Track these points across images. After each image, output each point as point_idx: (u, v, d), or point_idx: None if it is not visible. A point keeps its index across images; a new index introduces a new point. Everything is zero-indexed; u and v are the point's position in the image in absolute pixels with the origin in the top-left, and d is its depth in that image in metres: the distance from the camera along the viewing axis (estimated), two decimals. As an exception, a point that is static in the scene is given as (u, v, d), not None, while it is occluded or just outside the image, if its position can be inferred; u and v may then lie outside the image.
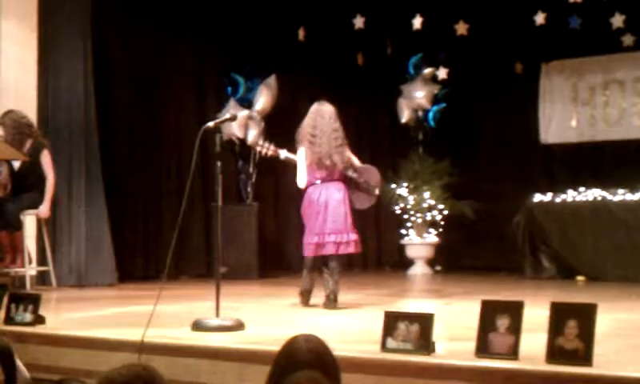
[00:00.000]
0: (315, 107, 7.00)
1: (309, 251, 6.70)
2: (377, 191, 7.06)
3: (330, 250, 6.67)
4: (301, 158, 6.85)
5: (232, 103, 10.30)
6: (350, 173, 6.93)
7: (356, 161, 7.05)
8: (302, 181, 6.87)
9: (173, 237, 5.30)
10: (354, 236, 6.79)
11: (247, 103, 10.40)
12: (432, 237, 10.88)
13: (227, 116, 6.09)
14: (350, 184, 6.93)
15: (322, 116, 6.95)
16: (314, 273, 6.84)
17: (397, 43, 10.80)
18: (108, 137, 9.26)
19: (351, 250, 6.80)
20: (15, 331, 5.29)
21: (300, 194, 7.02)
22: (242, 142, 10.31)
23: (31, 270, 8.14)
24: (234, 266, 9.30)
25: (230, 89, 10.61)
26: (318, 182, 6.85)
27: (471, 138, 11.34)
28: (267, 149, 7.12)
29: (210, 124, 5.51)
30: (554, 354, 3.78)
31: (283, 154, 7.04)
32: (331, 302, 6.63)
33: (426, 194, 10.81)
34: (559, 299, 4.00)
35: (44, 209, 8.13)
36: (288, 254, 11.18)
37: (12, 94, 8.64)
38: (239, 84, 10.55)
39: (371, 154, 11.71)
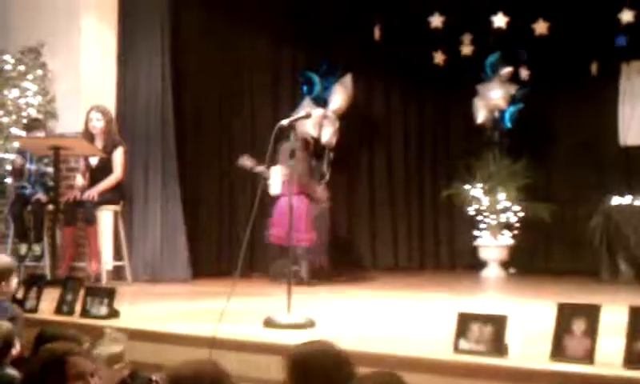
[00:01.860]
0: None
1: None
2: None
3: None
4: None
5: (307, 102, 10.31)
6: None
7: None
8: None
9: (245, 234, 5.33)
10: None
11: (322, 102, 10.40)
12: (506, 239, 10.72)
13: (302, 113, 6.10)
14: None
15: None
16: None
17: (474, 42, 10.67)
18: (183, 134, 9.36)
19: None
20: (90, 324, 5.38)
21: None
22: (316, 141, 10.31)
23: (107, 265, 8.28)
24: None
25: (305, 87, 10.62)
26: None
27: (548, 139, 11.14)
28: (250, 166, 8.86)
29: (285, 121, 5.51)
30: (632, 358, 3.68)
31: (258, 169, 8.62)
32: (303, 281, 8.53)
33: (501, 196, 10.66)
34: (637, 303, 3.90)
35: (93, 191, 8.20)
36: (360, 253, 11.17)
37: (92, 91, 8.82)
38: (314, 83, 10.55)
39: (446, 154, 11.67)
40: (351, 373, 3.04)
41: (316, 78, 10.57)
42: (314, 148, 10.31)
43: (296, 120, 5.76)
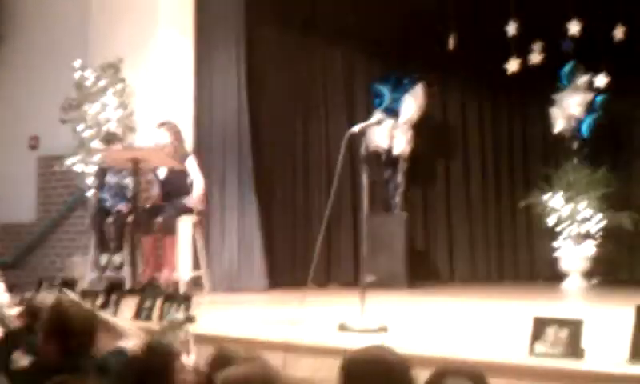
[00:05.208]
0: None
1: None
2: None
3: None
4: None
5: (378, 114, 10.30)
6: None
7: None
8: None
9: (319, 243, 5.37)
10: None
11: (393, 113, 10.37)
12: (588, 249, 10.52)
13: (373, 120, 6.11)
14: None
15: None
16: None
17: (549, 50, 10.52)
18: (258, 146, 9.45)
19: None
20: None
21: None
22: (389, 152, 10.31)
23: (185, 274, 8.40)
24: (382, 276, 9.26)
25: (376, 100, 10.62)
26: None
27: (627, 146, 10.91)
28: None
29: (355, 128, 5.53)
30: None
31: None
32: None
33: (581, 205, 10.47)
34: None
35: (195, 199, 8.36)
36: (437, 264, 11.09)
37: (169, 104, 8.99)
38: (383, 95, 10.55)
39: (523, 163, 11.53)
40: (407, 380, 3.00)
41: (385, 90, 10.56)
42: (388, 159, 10.33)
43: (367, 126, 5.77)
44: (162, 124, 8.51)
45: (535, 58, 10.32)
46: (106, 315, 4.89)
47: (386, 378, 2.99)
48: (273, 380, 2.88)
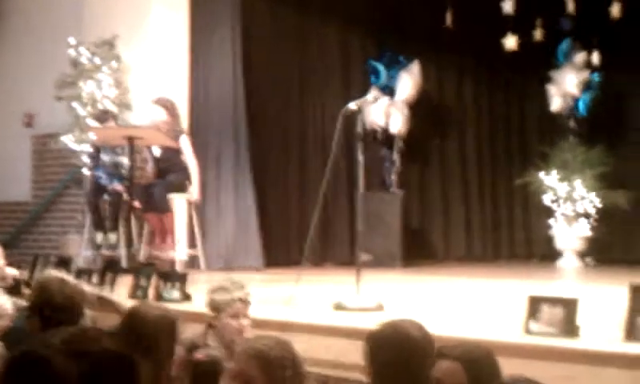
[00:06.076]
0: None
1: None
2: None
3: None
4: None
5: (373, 91, 10.25)
6: None
7: None
8: None
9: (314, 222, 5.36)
10: None
11: (389, 91, 10.34)
12: (583, 228, 10.52)
13: (369, 97, 6.09)
14: None
15: None
16: None
17: (546, 28, 10.48)
18: (254, 123, 9.42)
19: None
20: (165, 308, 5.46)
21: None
22: (385, 130, 10.28)
23: (181, 253, 8.39)
24: (377, 254, 9.27)
25: (372, 77, 10.58)
26: None
27: (624, 125, 10.90)
28: None
29: (352, 104, 5.51)
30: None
31: None
32: None
33: (577, 184, 10.46)
34: None
35: (195, 192, 8.38)
36: (433, 243, 11.09)
37: (164, 82, 8.95)
38: (380, 72, 10.51)
39: (519, 141, 11.52)
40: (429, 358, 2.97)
41: (381, 67, 10.52)
42: (384, 137, 10.30)
43: (363, 103, 5.76)
44: (158, 100, 8.47)
45: (535, 35, 10.29)
46: (110, 296, 4.92)
47: (408, 353, 2.99)
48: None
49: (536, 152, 10.77)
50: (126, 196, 8.30)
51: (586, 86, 10.77)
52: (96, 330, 1.74)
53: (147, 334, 3.35)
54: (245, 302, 4.39)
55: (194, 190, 8.40)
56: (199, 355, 3.82)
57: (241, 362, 2.87)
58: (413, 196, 10.83)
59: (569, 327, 4.00)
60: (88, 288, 5.22)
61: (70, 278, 4.23)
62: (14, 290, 5.59)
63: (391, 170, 10.47)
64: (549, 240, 10.76)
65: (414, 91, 10.30)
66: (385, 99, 9.96)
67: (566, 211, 10.47)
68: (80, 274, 6.23)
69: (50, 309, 3.82)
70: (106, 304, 5.73)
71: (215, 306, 4.36)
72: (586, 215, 10.46)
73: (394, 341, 3.08)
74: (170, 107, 8.44)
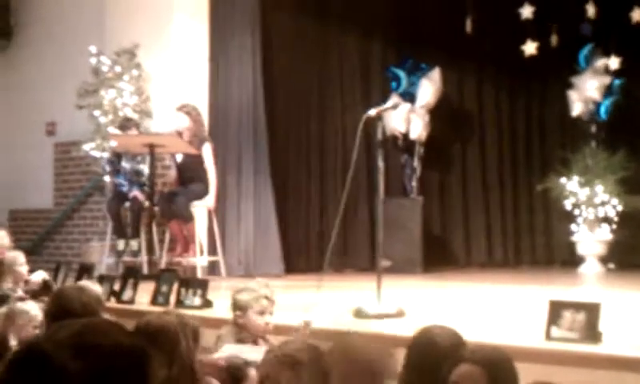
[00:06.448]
0: None
1: None
2: None
3: None
4: None
5: (394, 98, 10.28)
6: None
7: None
8: None
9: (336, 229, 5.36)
10: None
11: (409, 97, 10.33)
12: (605, 233, 10.46)
13: (389, 104, 6.10)
14: None
15: None
16: None
17: (567, 33, 10.45)
18: (274, 130, 9.44)
19: None
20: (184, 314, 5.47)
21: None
22: (405, 136, 10.27)
23: (202, 260, 8.42)
24: (398, 260, 9.25)
25: (393, 84, 10.58)
26: None
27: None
28: None
29: (372, 111, 5.51)
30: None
31: None
32: None
33: (599, 189, 10.41)
34: None
35: (210, 200, 8.41)
36: (453, 249, 11.06)
37: (185, 90, 8.99)
38: (400, 79, 10.51)
39: (540, 147, 11.47)
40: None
41: (402, 74, 10.52)
42: (404, 143, 10.29)
43: (383, 110, 5.76)
44: (182, 107, 8.51)
45: (553, 40, 10.25)
46: None
47: (433, 359, 3.00)
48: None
49: (557, 157, 10.72)
50: (146, 203, 8.34)
51: (608, 91, 10.72)
52: (108, 323, 1.73)
53: (163, 341, 3.36)
54: (270, 299, 4.43)
55: (210, 198, 8.43)
56: (221, 361, 3.82)
57: (270, 365, 2.88)
58: (433, 202, 10.81)
59: (591, 333, 3.97)
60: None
61: (87, 284, 4.25)
62: (42, 293, 5.64)
63: (412, 177, 10.46)
64: (570, 245, 10.71)
65: (434, 98, 10.29)
66: (405, 106, 9.96)
67: (587, 217, 10.42)
68: (102, 280, 6.27)
69: (68, 316, 3.83)
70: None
71: (242, 305, 4.39)
72: (608, 220, 10.41)
73: (420, 346, 3.09)
74: (193, 114, 8.48)
